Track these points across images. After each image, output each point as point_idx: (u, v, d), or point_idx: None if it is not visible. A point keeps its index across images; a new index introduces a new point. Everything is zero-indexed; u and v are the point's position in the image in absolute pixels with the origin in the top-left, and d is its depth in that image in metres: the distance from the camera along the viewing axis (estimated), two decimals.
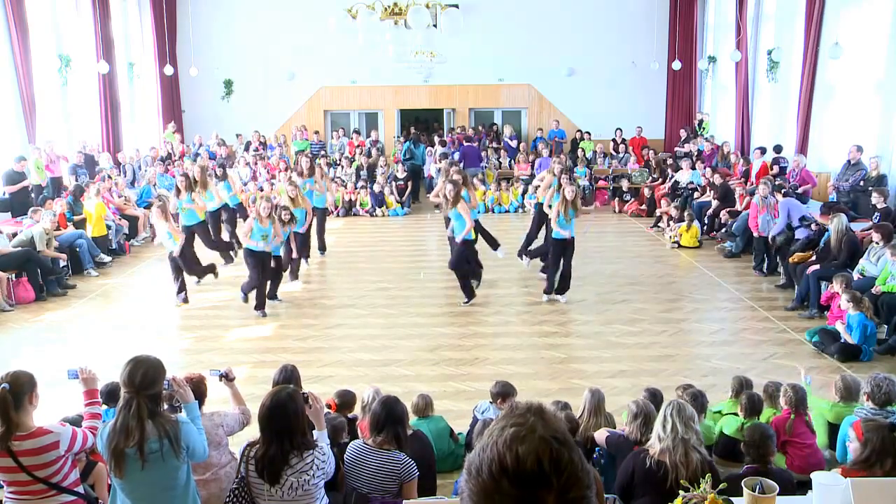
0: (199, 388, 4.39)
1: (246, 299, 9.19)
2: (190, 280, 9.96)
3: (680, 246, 12.39)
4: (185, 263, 9.55)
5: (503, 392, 5.25)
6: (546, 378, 7.04)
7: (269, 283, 9.25)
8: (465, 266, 9.48)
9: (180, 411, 3.69)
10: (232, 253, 11.55)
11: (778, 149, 13.59)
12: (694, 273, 10.93)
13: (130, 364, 3.31)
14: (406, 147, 17.90)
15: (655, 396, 5.16)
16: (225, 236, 12.16)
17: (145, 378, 3.26)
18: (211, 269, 10.20)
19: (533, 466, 1.11)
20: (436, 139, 17.97)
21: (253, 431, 4.73)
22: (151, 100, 18.52)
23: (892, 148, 10.81)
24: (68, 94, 14.48)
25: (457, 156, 16.11)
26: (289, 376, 4.91)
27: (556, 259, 9.40)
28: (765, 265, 10.60)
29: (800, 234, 10.03)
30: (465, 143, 17.17)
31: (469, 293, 9.35)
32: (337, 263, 11.85)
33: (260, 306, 9.05)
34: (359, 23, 7.99)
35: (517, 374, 6.98)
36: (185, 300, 9.51)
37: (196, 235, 10.60)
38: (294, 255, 10.29)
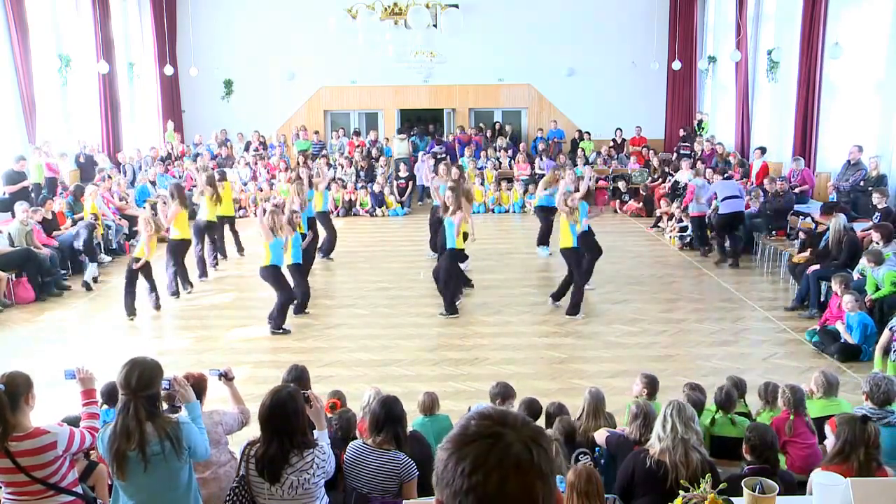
0: (198, 386, 4.39)
1: (282, 325, 8.48)
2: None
3: (695, 246, 12.20)
4: (130, 280, 9.00)
5: (503, 393, 5.24)
6: (546, 378, 7.04)
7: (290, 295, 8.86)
8: (452, 280, 9.08)
9: (180, 410, 3.69)
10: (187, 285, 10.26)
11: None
12: (694, 273, 10.93)
13: (126, 366, 3.30)
14: (411, 140, 18.55)
15: (654, 384, 5.20)
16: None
17: (141, 380, 3.25)
18: (131, 311, 9.03)
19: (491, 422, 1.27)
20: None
21: (253, 431, 4.73)
22: (151, 100, 18.51)
23: (892, 148, 10.81)
24: (68, 94, 14.47)
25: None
26: (298, 376, 4.92)
27: (577, 267, 8.97)
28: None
29: (726, 207, 11.07)
30: (436, 143, 18.08)
31: (452, 308, 8.97)
32: (337, 263, 11.84)
33: (280, 325, 8.47)
34: (359, 23, 8.00)
35: (517, 374, 6.98)
36: (157, 306, 9.23)
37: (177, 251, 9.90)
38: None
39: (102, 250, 11.81)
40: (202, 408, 4.39)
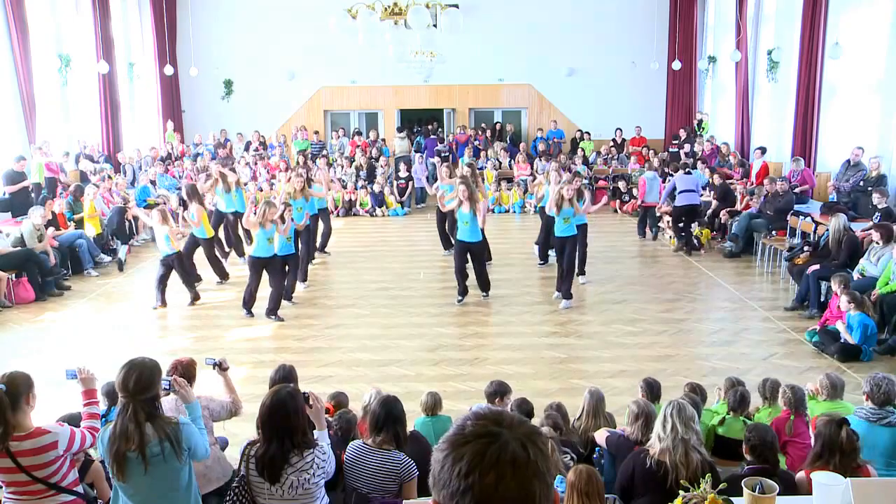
0: (188, 372, 4.42)
1: (250, 313, 8.94)
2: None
3: (696, 247, 12.24)
4: (181, 270, 9.42)
5: (499, 391, 5.27)
6: (546, 378, 7.04)
7: (283, 285, 9.09)
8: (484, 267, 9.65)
9: (167, 395, 3.68)
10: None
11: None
12: (694, 273, 10.93)
13: (124, 369, 3.29)
14: (416, 142, 18.69)
15: (652, 388, 5.19)
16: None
17: (139, 382, 3.25)
18: (195, 294, 9.64)
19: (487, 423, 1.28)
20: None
21: (244, 424, 4.73)
22: (151, 100, 18.52)
23: (892, 148, 10.81)
24: (68, 94, 14.48)
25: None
26: (286, 375, 4.90)
27: (559, 255, 9.56)
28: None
29: (681, 199, 12.13)
30: (430, 137, 18.61)
31: (485, 286, 9.58)
32: (337, 263, 11.84)
33: (273, 311, 8.85)
34: (359, 23, 7.98)
35: (517, 374, 6.99)
36: (164, 303, 9.36)
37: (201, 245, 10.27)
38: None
39: (136, 230, 12.22)
40: None
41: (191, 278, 9.75)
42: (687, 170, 13.23)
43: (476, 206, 9.16)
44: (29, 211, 10.54)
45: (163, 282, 9.34)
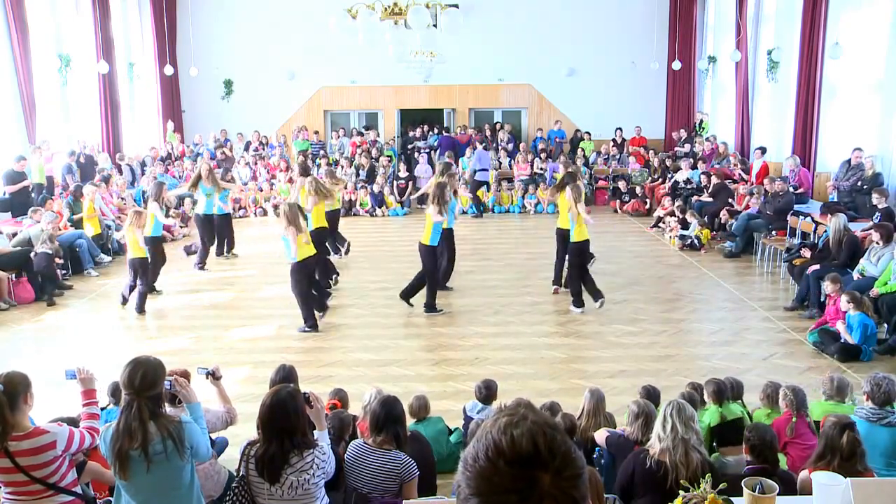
0: (186, 377, 4.39)
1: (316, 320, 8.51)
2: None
3: (696, 247, 12.25)
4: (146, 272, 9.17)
5: (489, 395, 5.34)
6: (546, 378, 7.03)
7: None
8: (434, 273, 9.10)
9: (179, 404, 3.69)
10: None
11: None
12: (694, 273, 10.93)
13: (130, 366, 3.29)
14: (435, 139, 18.56)
15: (651, 396, 5.17)
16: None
17: (145, 380, 3.25)
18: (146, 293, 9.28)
19: (528, 447, 1.13)
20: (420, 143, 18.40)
21: (245, 424, 4.73)
22: (151, 100, 18.52)
23: (892, 148, 10.81)
24: (68, 94, 14.48)
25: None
26: (286, 375, 4.90)
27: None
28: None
29: (478, 176, 16.10)
30: (444, 135, 18.60)
31: (407, 294, 9.11)
32: (337, 263, 11.82)
33: (312, 318, 8.50)
34: (359, 23, 7.99)
35: (517, 374, 6.99)
36: (127, 301, 9.23)
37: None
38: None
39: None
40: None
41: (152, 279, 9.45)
42: (484, 145, 17.03)
43: (436, 210, 8.73)
44: (32, 212, 10.54)
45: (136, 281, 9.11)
